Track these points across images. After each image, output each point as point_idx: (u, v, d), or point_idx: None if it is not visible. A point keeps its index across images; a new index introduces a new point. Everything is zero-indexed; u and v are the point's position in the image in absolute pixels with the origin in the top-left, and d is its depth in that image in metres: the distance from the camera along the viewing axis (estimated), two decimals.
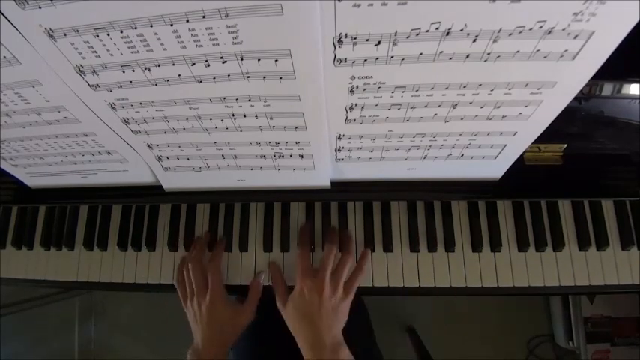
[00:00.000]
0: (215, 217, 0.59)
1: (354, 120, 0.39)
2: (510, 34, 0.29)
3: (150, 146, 0.44)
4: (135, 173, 0.51)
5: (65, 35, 0.30)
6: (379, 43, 0.30)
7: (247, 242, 0.58)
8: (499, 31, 0.28)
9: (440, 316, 1.30)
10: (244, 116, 0.39)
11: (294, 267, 0.54)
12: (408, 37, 0.29)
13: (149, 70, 0.33)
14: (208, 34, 0.29)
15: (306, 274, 0.50)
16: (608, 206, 0.55)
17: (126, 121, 0.40)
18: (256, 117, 0.39)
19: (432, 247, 0.55)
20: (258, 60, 0.31)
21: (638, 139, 0.48)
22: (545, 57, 0.30)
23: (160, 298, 1.29)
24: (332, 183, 0.50)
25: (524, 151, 0.44)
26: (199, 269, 0.54)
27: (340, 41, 0.29)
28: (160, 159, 0.47)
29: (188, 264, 0.54)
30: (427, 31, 0.28)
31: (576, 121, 0.46)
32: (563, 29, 0.28)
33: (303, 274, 0.50)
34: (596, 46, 0.29)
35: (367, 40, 0.29)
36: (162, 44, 0.30)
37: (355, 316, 0.70)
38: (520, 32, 0.28)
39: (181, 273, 0.55)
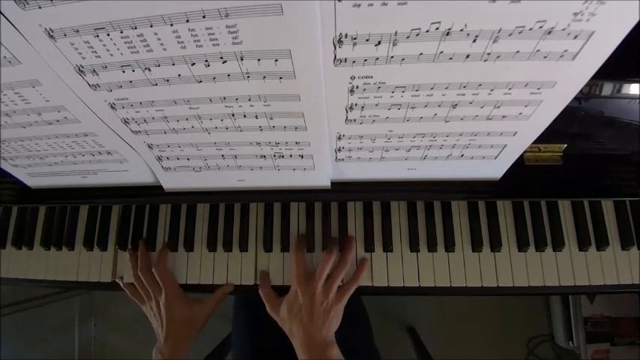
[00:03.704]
0: (215, 217, 0.59)
1: (354, 120, 0.39)
2: (510, 34, 0.29)
3: (150, 146, 0.44)
4: (135, 173, 0.51)
5: (65, 35, 0.30)
6: (379, 43, 0.30)
7: (247, 242, 0.57)
8: (499, 31, 0.28)
9: (440, 316, 1.30)
10: (244, 116, 0.39)
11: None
12: (408, 37, 0.29)
13: (149, 70, 0.33)
14: (208, 34, 0.29)
15: (301, 280, 0.51)
16: (608, 206, 0.55)
17: (126, 121, 0.40)
18: (256, 117, 0.39)
19: (432, 247, 0.55)
20: (258, 60, 0.31)
21: (638, 139, 0.48)
22: (545, 57, 0.30)
23: None
24: (332, 183, 0.50)
25: (524, 151, 0.44)
26: (149, 273, 0.56)
27: (340, 41, 0.29)
28: (160, 159, 0.47)
29: (138, 272, 0.56)
30: (427, 31, 0.28)
31: (576, 121, 0.46)
32: (563, 29, 0.28)
33: (298, 279, 0.51)
34: (596, 46, 0.29)
35: (367, 40, 0.29)
36: (162, 44, 0.30)
37: (355, 317, 0.70)
38: (520, 32, 0.28)
39: (137, 279, 0.57)
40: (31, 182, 0.55)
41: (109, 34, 0.30)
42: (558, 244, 0.53)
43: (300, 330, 0.49)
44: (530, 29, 0.28)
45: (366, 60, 0.31)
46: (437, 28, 0.28)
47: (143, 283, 0.56)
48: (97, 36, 0.30)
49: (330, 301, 0.50)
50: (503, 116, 0.38)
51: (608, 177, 0.51)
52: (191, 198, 0.56)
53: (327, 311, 0.50)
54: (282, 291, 0.54)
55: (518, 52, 0.30)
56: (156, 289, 0.56)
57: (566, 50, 0.30)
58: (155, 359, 0.54)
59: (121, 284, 0.59)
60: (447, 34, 0.29)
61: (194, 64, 0.32)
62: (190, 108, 0.38)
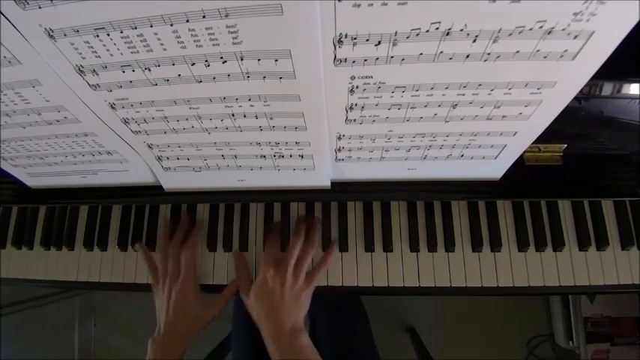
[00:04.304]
0: (215, 217, 0.59)
1: (354, 120, 0.39)
2: (510, 34, 0.29)
3: (150, 146, 0.44)
4: (135, 173, 0.51)
5: (65, 35, 0.30)
6: (379, 43, 0.30)
7: (247, 242, 0.57)
8: (499, 31, 0.28)
9: (440, 316, 1.30)
10: (244, 116, 0.39)
11: None
12: (408, 37, 0.29)
13: (149, 70, 0.33)
14: (208, 34, 0.29)
15: (270, 264, 0.50)
16: (608, 206, 0.55)
17: (126, 121, 0.40)
18: (256, 117, 0.39)
19: (432, 247, 0.55)
20: (258, 60, 0.31)
21: (638, 139, 0.48)
22: (545, 57, 0.30)
23: None
24: (332, 183, 0.50)
25: (524, 151, 0.44)
26: (177, 255, 0.54)
27: (340, 41, 0.29)
28: (160, 159, 0.47)
29: (168, 248, 0.54)
30: (427, 31, 0.28)
31: (576, 121, 0.46)
32: (563, 29, 0.28)
33: (267, 263, 0.51)
34: (596, 46, 0.29)
35: (367, 40, 0.29)
36: (162, 44, 0.30)
37: (354, 317, 0.70)
38: (520, 32, 0.28)
39: (164, 252, 0.55)
40: (31, 182, 0.55)
41: (109, 34, 0.30)
42: (558, 244, 0.53)
43: (269, 317, 0.48)
44: (530, 29, 0.28)
45: (366, 60, 0.31)
46: (437, 28, 0.28)
47: (167, 260, 0.54)
48: (97, 36, 0.30)
49: (299, 285, 0.50)
50: (503, 116, 0.38)
51: (608, 177, 0.51)
52: (191, 198, 0.56)
53: (297, 296, 0.49)
54: None
55: (518, 52, 0.30)
56: (176, 274, 0.53)
57: (566, 50, 0.30)
58: (149, 349, 0.52)
59: (141, 250, 0.57)
60: (447, 34, 0.29)
61: (194, 64, 0.32)
62: (190, 108, 0.38)
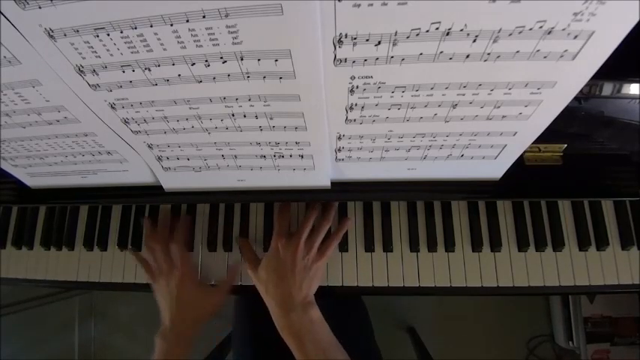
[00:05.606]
0: (215, 217, 0.59)
1: (354, 120, 0.39)
2: (510, 34, 0.29)
3: (150, 146, 0.44)
4: (135, 173, 0.51)
5: (65, 35, 0.30)
6: (379, 43, 0.30)
7: None
8: (499, 31, 0.28)
9: (440, 316, 1.30)
10: (244, 116, 0.39)
11: None
12: (408, 37, 0.29)
13: (149, 70, 0.33)
14: (208, 34, 0.29)
15: (282, 234, 0.50)
16: (608, 206, 0.55)
17: (126, 121, 0.40)
18: (256, 117, 0.39)
19: (432, 247, 0.55)
20: (258, 60, 0.31)
21: (638, 139, 0.48)
22: (545, 57, 0.30)
23: None
24: (332, 183, 0.50)
25: (524, 151, 0.44)
26: (165, 247, 0.54)
27: (340, 41, 0.29)
28: (160, 159, 0.47)
29: (151, 243, 0.54)
30: (427, 31, 0.28)
31: (576, 121, 0.46)
32: (564, 29, 0.28)
33: (280, 234, 0.50)
34: (596, 46, 0.29)
35: (367, 40, 0.29)
36: (162, 44, 0.30)
37: (355, 317, 0.70)
38: (520, 32, 0.28)
39: (150, 249, 0.55)
40: (31, 182, 0.55)
41: (109, 34, 0.30)
42: (558, 244, 0.53)
43: (279, 288, 0.47)
44: (530, 29, 0.28)
45: (366, 60, 0.31)
46: (437, 28, 0.28)
47: (156, 257, 0.53)
48: (97, 36, 0.30)
49: (311, 257, 0.49)
50: (503, 116, 0.38)
51: (608, 177, 0.51)
52: (191, 198, 0.56)
53: (309, 268, 0.48)
54: None
55: (518, 52, 0.30)
56: (170, 266, 0.53)
57: (566, 50, 0.30)
58: (158, 347, 0.50)
59: (131, 253, 0.57)
60: (447, 34, 0.29)
61: (194, 64, 0.32)
62: (190, 108, 0.38)
